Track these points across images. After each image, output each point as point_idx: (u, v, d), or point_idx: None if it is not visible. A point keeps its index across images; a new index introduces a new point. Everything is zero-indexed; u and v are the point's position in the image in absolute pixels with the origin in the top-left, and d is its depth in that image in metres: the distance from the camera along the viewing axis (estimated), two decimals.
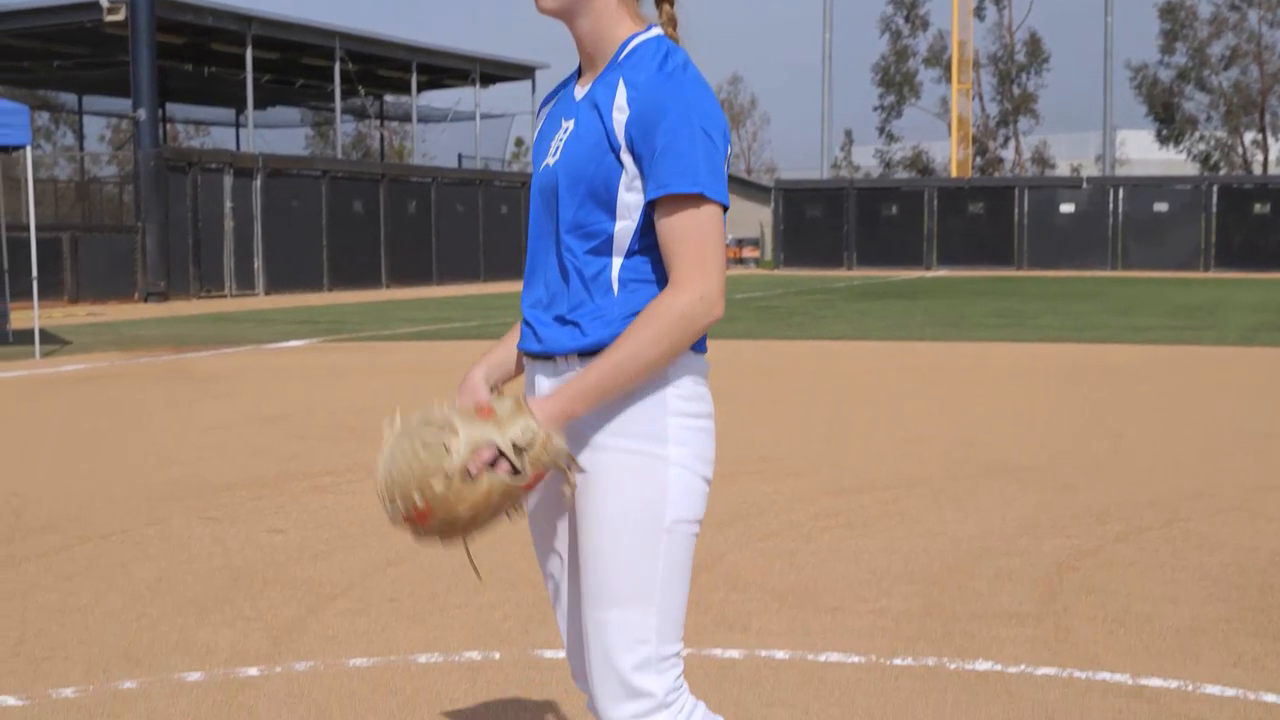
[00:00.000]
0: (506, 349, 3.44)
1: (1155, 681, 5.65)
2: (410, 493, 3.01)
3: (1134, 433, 12.63)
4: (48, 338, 22.71)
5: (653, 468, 3.13)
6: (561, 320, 3.18)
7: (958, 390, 16.07)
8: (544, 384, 3.24)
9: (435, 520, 3.04)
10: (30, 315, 22.03)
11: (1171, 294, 37.68)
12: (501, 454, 2.97)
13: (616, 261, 3.13)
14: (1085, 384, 16.50)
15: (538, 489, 3.19)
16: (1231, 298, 35.27)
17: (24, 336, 22.34)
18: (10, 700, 5.56)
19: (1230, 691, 5.53)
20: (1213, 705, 5.38)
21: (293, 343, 23.61)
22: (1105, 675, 5.73)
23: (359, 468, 10.84)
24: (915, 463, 11.12)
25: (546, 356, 3.21)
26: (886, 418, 13.80)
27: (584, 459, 3.16)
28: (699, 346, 3.22)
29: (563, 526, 3.36)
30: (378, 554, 7.95)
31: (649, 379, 3.07)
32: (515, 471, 2.98)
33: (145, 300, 38.44)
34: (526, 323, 3.28)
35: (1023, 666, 5.85)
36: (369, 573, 7.47)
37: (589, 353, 3.13)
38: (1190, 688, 5.57)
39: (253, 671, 5.91)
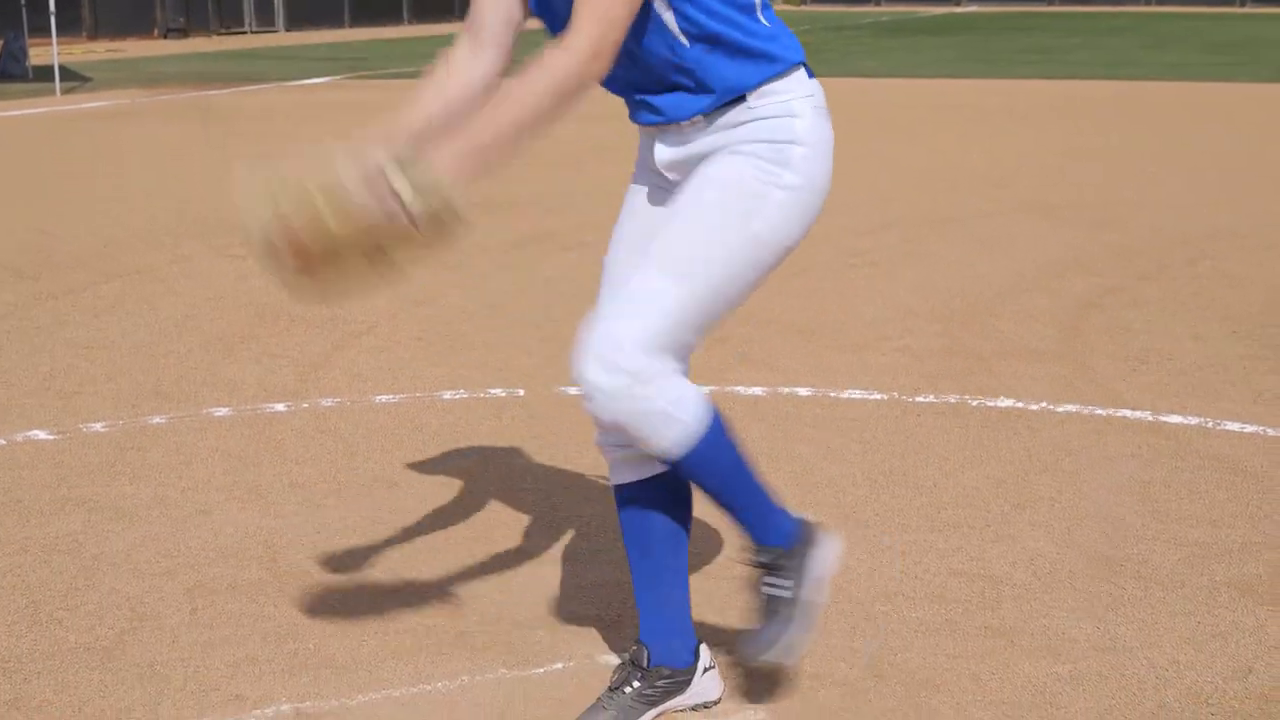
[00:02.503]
0: (414, 116, 3.28)
1: (1175, 418, 5.68)
2: (293, 218, 2.81)
3: (1166, 171, 12.52)
4: (68, 75, 22.53)
5: (763, 183, 3.11)
6: (669, 87, 3.14)
7: (989, 129, 15.91)
8: (667, 153, 3.21)
9: (308, 241, 2.84)
10: (50, 52, 21.82)
11: (1206, 29, 37.03)
12: (392, 190, 2.79)
13: (669, 17, 3.05)
14: (1118, 122, 16.31)
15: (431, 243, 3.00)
16: (1266, 34, 34.65)
17: (44, 73, 22.16)
18: (41, 434, 5.64)
19: (1250, 428, 5.56)
20: (1232, 441, 5.41)
21: (315, 80, 23.40)
22: (1126, 412, 5.76)
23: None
24: (944, 202, 11.06)
25: (671, 124, 3.17)
26: (916, 156, 13.69)
27: (710, 155, 3.16)
28: (810, 73, 3.23)
29: (648, 230, 3.29)
30: (404, 292, 7.97)
31: (550, 122, 2.96)
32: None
33: (165, 37, 38.04)
34: (629, 101, 3.24)
35: (1044, 403, 5.88)
36: (395, 311, 7.50)
37: (713, 110, 3.12)
38: (1210, 424, 5.60)
39: (279, 407, 5.97)
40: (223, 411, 5.92)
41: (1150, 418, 5.70)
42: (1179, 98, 19.11)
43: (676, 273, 3.08)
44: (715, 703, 3.49)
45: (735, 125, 3.14)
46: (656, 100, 3.16)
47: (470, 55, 3.27)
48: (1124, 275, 8.29)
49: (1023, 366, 6.44)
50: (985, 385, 6.16)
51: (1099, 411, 5.79)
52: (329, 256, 2.85)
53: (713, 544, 4.47)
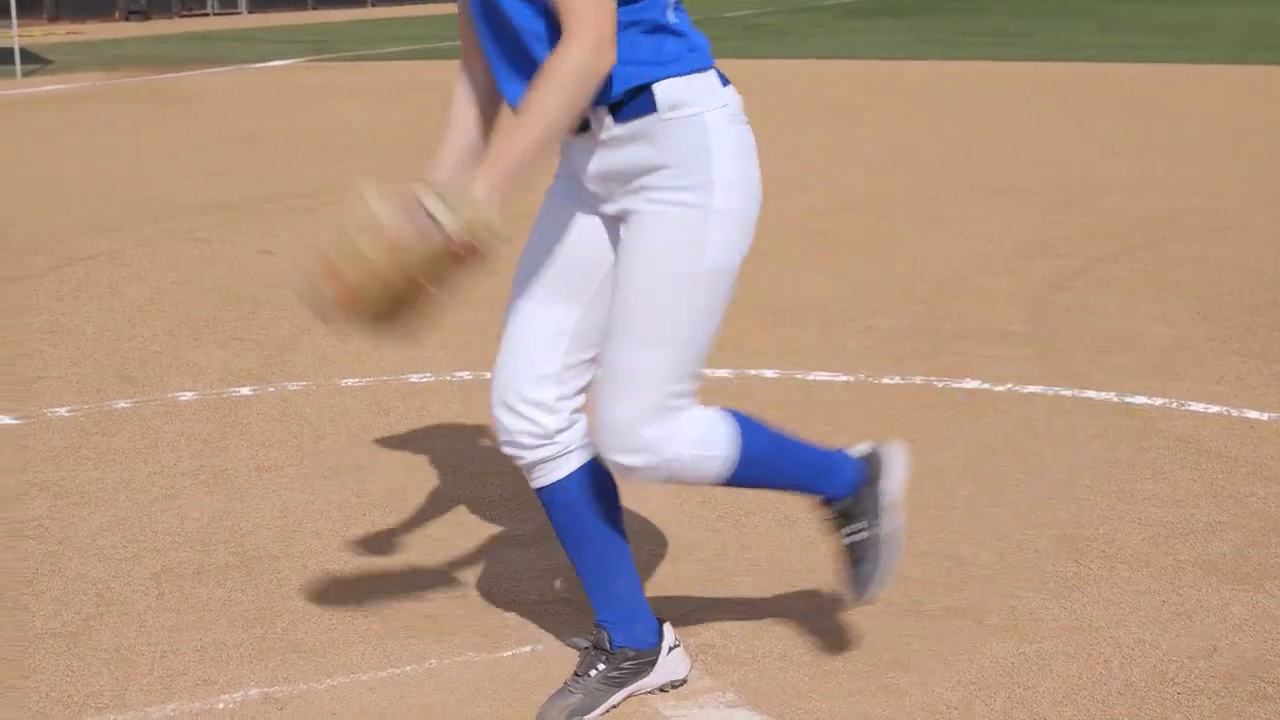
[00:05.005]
0: (455, 141, 3.32)
1: (1140, 399, 5.70)
2: (336, 259, 2.89)
3: (1127, 153, 12.56)
4: (28, 57, 22.38)
5: (698, 221, 3.11)
6: None
7: (949, 110, 15.94)
8: (590, 165, 3.17)
9: (361, 289, 2.90)
10: (10, 34, 21.67)
11: (1160, 12, 37.13)
12: (428, 214, 2.85)
13: None
14: (1077, 104, 16.36)
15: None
16: (1218, 15, 34.76)
17: (4, 56, 22.02)
18: (6, 419, 5.61)
19: (1214, 408, 5.59)
20: (1196, 421, 5.44)
21: (277, 62, 23.30)
22: (1091, 393, 5.79)
23: (343, 187, 10.79)
24: (906, 183, 11.08)
25: (582, 128, 3.14)
26: (877, 138, 13.71)
27: (635, 208, 3.14)
28: (724, 80, 3.20)
29: (584, 244, 3.29)
30: None
31: (562, 131, 2.99)
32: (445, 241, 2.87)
33: (126, 19, 37.82)
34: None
35: (1010, 385, 5.90)
36: None
37: (616, 103, 3.07)
38: (1175, 405, 5.63)
39: (245, 391, 5.95)
40: (188, 396, 5.90)
41: (1115, 399, 5.72)
42: (1134, 80, 19.18)
43: (653, 342, 3.16)
44: (683, 681, 3.49)
45: (651, 143, 3.09)
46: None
47: (470, 81, 3.30)
48: (1088, 257, 8.32)
49: (988, 348, 6.46)
50: (951, 366, 6.18)
51: (1064, 392, 5.81)
52: (383, 296, 2.92)
53: (673, 525, 4.47)
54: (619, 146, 3.12)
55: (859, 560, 3.42)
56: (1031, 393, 5.81)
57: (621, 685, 3.41)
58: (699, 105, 3.12)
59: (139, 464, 5.11)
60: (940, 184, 10.97)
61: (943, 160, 12.14)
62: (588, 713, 3.36)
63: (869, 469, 3.43)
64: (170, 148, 13.24)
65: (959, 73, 20.54)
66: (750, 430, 3.29)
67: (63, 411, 5.71)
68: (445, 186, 2.92)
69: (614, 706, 3.39)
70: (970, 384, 5.93)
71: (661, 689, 3.47)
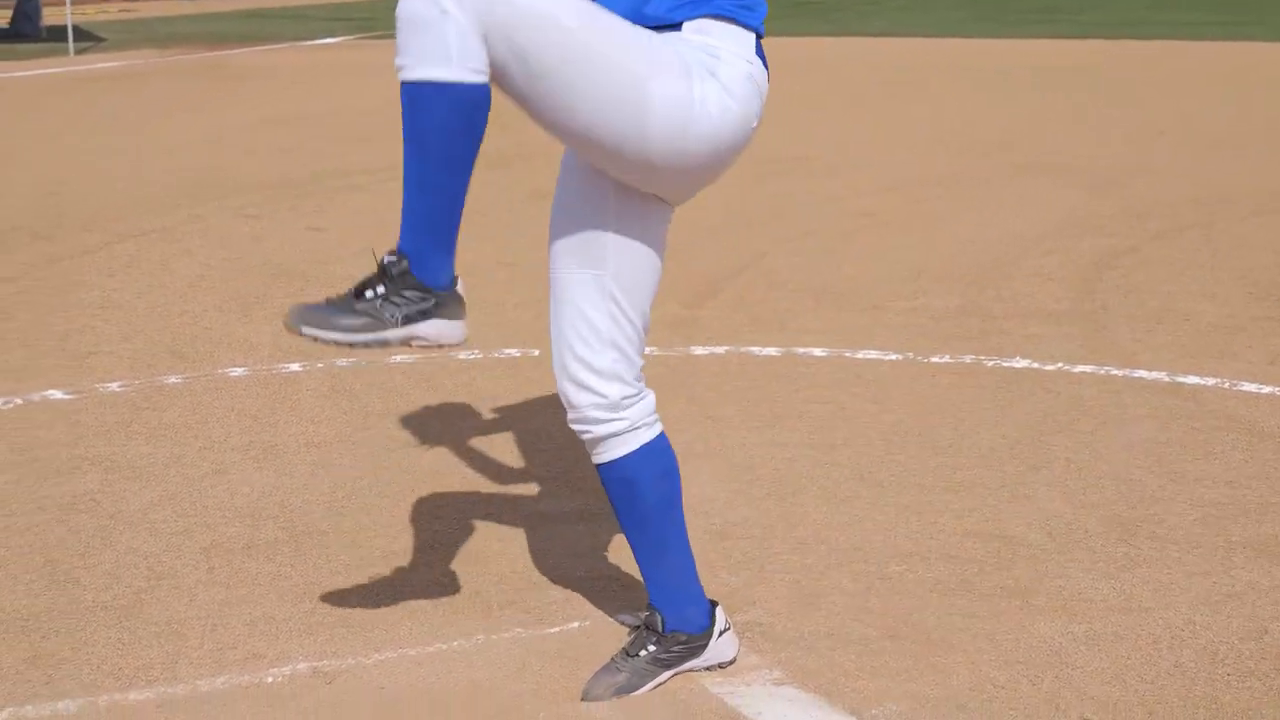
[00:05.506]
0: None
1: (1192, 379, 5.67)
2: None
3: (1177, 131, 12.46)
4: (81, 35, 22.50)
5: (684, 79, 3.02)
6: None
7: (998, 89, 15.84)
8: None
9: None
10: (63, 11, 21.78)
11: None
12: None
13: None
14: (1127, 82, 16.23)
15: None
16: None
17: (57, 33, 22.13)
18: (58, 394, 5.65)
19: (1267, 388, 5.54)
20: (1249, 402, 5.40)
21: (328, 40, 23.36)
22: (1142, 373, 5.75)
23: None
24: (954, 163, 11.02)
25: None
26: (926, 117, 13.64)
27: None
28: (753, 23, 3.12)
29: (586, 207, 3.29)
30: None
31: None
32: None
33: None
34: None
35: (1060, 364, 5.87)
36: None
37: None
38: (1227, 385, 5.59)
39: (295, 367, 5.97)
40: (238, 371, 5.93)
41: (1166, 378, 5.69)
42: (1190, 58, 19.00)
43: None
44: (730, 663, 3.49)
45: None
46: None
47: None
48: (1137, 236, 8.26)
49: (1038, 327, 6.43)
50: (1000, 346, 6.15)
51: (1115, 372, 5.78)
52: None
53: (724, 503, 4.47)
54: None
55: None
56: (1082, 372, 5.78)
57: (670, 667, 3.41)
58: (721, 44, 3.07)
59: (189, 439, 5.14)
60: (989, 164, 10.91)
61: (991, 140, 12.07)
62: (633, 691, 3.36)
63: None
64: (221, 125, 13.30)
65: (1009, 51, 20.39)
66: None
67: (114, 387, 5.74)
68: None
69: (660, 685, 3.40)
70: (1020, 363, 5.91)
71: (708, 669, 3.47)
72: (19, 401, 5.57)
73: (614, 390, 3.24)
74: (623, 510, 3.38)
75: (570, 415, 3.30)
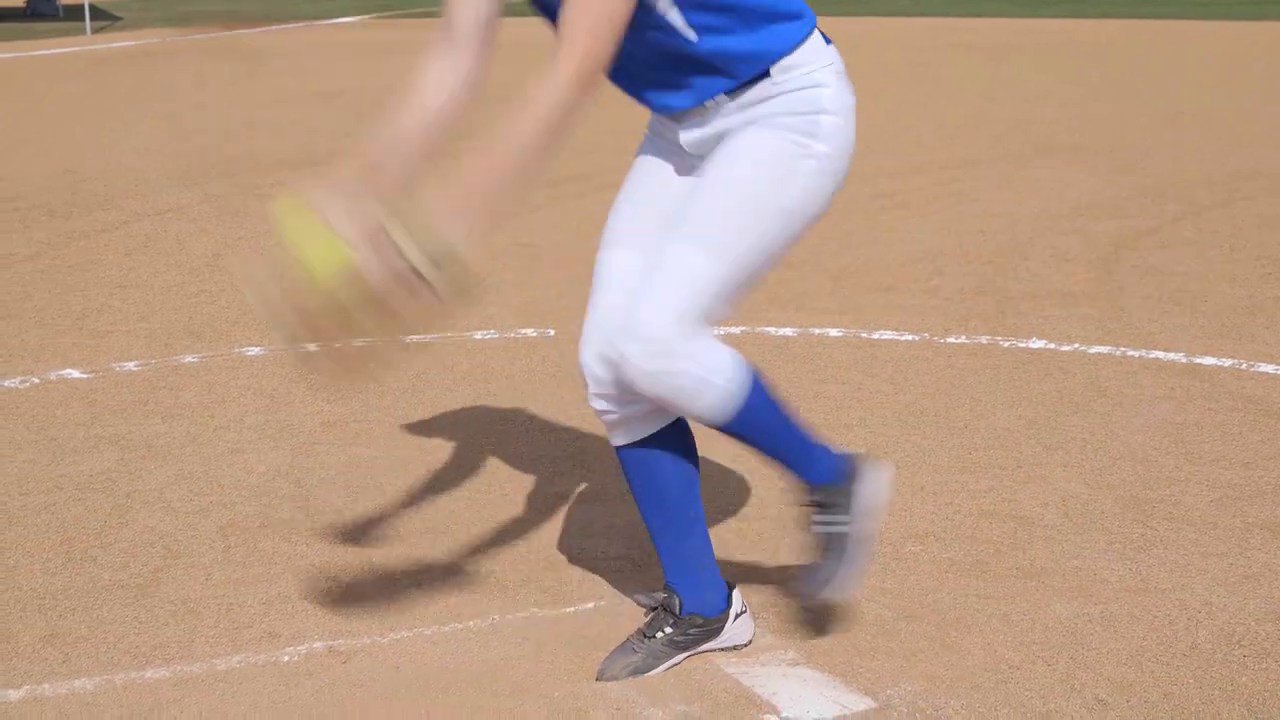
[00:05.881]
0: (411, 129, 3.23)
1: (1209, 360, 5.65)
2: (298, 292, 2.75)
3: (1195, 111, 12.41)
4: (98, 14, 22.52)
5: (794, 155, 3.12)
6: (684, 81, 3.12)
7: (1016, 69, 15.79)
8: (690, 135, 3.19)
9: (318, 312, 2.81)
10: None
11: None
12: (398, 250, 2.72)
13: (674, 16, 3.02)
14: (1147, 62, 16.17)
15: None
16: None
17: (74, 12, 22.16)
18: (75, 373, 5.66)
19: None
20: (1266, 383, 5.39)
21: (345, 19, 23.34)
22: (1159, 354, 5.74)
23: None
24: (973, 143, 11.00)
25: (696, 108, 3.15)
26: (947, 97, 13.60)
27: (736, 127, 3.14)
28: (826, 39, 3.19)
29: (669, 186, 3.30)
30: None
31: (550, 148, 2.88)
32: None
33: None
34: (640, 99, 3.22)
35: (1076, 345, 5.86)
36: None
37: (737, 88, 3.10)
38: (1244, 366, 5.58)
39: (311, 347, 5.96)
40: (254, 350, 5.93)
41: (1184, 359, 5.67)
42: (1209, 38, 18.93)
43: (708, 247, 3.09)
44: (746, 645, 3.49)
45: (761, 101, 3.13)
46: (672, 97, 3.16)
47: (448, 63, 3.18)
48: (1154, 217, 8.24)
49: (1054, 308, 6.42)
50: (1017, 326, 6.14)
51: (1132, 353, 5.76)
52: (341, 325, 2.87)
53: (741, 484, 4.47)
54: (728, 115, 3.15)
55: (826, 552, 3.34)
56: (1098, 353, 5.76)
57: (685, 649, 3.41)
58: (809, 65, 3.14)
59: (206, 418, 5.15)
60: (1007, 144, 10.88)
61: (1010, 120, 12.03)
62: (648, 671, 3.36)
63: (849, 469, 3.35)
64: (239, 105, 13.30)
65: (1030, 30, 20.34)
66: (759, 383, 3.19)
67: (131, 366, 5.75)
68: (410, 215, 2.72)
69: (675, 665, 3.40)
70: (1036, 344, 5.89)
71: (723, 650, 3.47)
72: (36, 381, 5.58)
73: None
74: (640, 492, 3.37)
75: (592, 390, 3.29)
